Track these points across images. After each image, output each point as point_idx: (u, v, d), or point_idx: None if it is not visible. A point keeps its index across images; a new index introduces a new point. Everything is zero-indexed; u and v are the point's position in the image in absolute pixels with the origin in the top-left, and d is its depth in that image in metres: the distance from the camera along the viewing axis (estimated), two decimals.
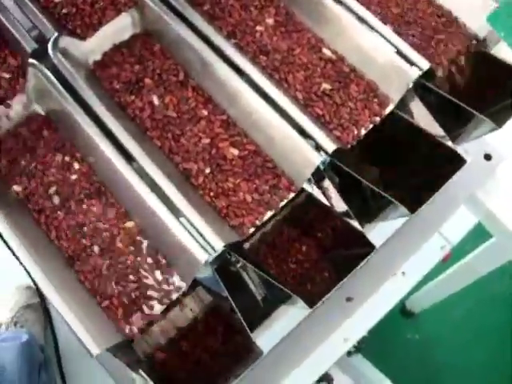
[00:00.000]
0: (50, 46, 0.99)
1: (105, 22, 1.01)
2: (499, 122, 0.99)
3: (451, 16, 1.10)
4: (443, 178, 0.98)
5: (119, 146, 0.94)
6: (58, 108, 0.99)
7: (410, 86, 0.98)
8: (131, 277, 0.88)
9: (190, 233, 0.88)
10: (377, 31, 1.01)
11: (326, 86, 0.98)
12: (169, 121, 0.97)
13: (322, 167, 0.95)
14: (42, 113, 1.03)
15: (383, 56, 1.00)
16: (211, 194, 0.93)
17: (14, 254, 1.16)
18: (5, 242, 1.16)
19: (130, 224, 0.92)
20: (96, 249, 0.90)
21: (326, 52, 1.02)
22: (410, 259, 1.22)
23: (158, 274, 0.89)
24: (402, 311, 1.95)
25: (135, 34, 1.07)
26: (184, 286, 0.90)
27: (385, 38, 1.00)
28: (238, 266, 0.99)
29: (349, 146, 0.96)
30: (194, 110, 0.99)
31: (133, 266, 0.89)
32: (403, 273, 1.25)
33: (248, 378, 0.92)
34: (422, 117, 1.03)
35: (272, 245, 1.04)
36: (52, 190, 0.95)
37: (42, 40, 0.98)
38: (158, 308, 0.89)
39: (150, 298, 0.89)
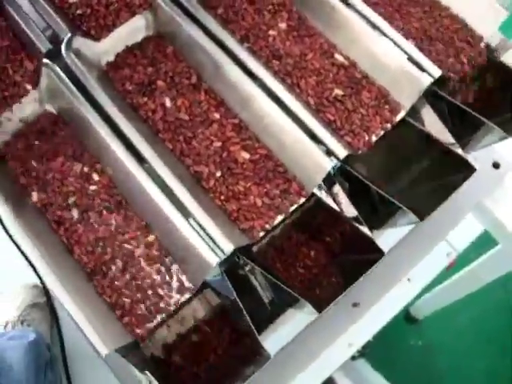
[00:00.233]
0: (63, 46, 0.99)
1: (119, 23, 1.01)
2: (509, 131, 0.99)
3: (462, 23, 1.10)
4: (453, 185, 0.99)
5: (131, 146, 0.94)
6: (69, 108, 0.99)
7: (422, 93, 0.98)
8: (145, 285, 0.89)
9: (200, 235, 0.88)
10: (389, 37, 1.01)
11: (337, 91, 0.98)
12: (181, 123, 0.98)
13: (332, 172, 0.95)
14: (54, 112, 1.03)
15: (395, 62, 1.00)
16: (222, 197, 0.94)
17: (22, 253, 1.17)
18: (13, 240, 1.17)
19: (151, 238, 0.92)
20: (118, 263, 0.90)
21: (339, 57, 1.02)
22: (416, 265, 1.22)
23: (167, 276, 0.89)
24: (405, 317, 1.95)
25: (148, 36, 1.07)
26: (193, 288, 0.90)
27: (397, 45, 1.01)
28: (247, 269, 1.00)
29: (360, 151, 0.96)
30: (206, 113, 0.99)
31: (149, 277, 0.90)
32: (409, 279, 1.25)
33: (253, 381, 0.92)
34: (432, 124, 1.03)
35: (280, 249, 1.04)
36: (71, 200, 0.94)
37: (55, 40, 0.98)
38: (166, 310, 0.89)
39: (160, 299, 0.89)
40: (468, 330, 1.98)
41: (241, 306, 0.89)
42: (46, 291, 1.22)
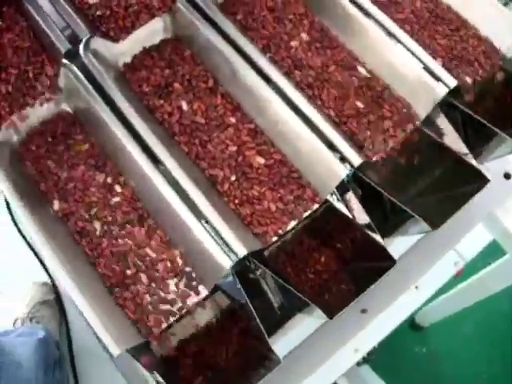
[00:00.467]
0: (81, 46, 1.00)
1: (138, 25, 1.02)
2: None
3: (479, 35, 1.10)
4: (465, 195, 0.99)
5: (146, 148, 0.95)
6: (86, 108, 1.00)
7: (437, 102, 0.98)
8: (162, 291, 0.89)
9: (214, 239, 0.89)
10: (408, 48, 1.01)
11: (359, 104, 0.98)
12: (197, 127, 0.98)
13: (346, 179, 0.95)
14: (71, 112, 1.03)
15: (412, 72, 1.00)
16: (236, 201, 0.94)
17: (33, 251, 1.18)
18: (24, 237, 1.18)
19: (175, 252, 0.93)
20: (141, 279, 0.91)
21: (361, 70, 1.03)
22: (425, 274, 1.22)
23: (183, 281, 0.90)
24: (410, 325, 1.95)
25: (166, 38, 1.08)
26: (205, 291, 0.90)
27: (414, 55, 1.01)
28: (258, 273, 1.00)
29: (374, 159, 0.97)
30: (222, 118, 0.99)
31: (168, 286, 0.91)
32: (416, 287, 1.26)
33: None
34: (446, 133, 1.03)
35: (291, 254, 1.05)
36: (93, 211, 0.94)
37: (74, 40, 0.99)
38: (179, 312, 0.89)
39: (174, 302, 0.89)
40: (472, 338, 1.99)
41: (252, 309, 0.89)
42: (55, 289, 1.23)
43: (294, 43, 1.03)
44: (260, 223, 0.93)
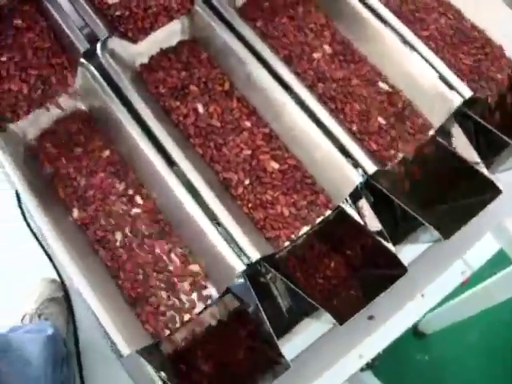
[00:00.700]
0: (98, 46, 1.00)
1: (156, 27, 1.02)
2: None
3: (493, 44, 1.11)
4: (478, 205, 0.99)
5: (161, 149, 0.95)
6: (102, 107, 1.00)
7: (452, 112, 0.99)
8: (176, 296, 0.90)
9: (227, 242, 0.89)
10: (428, 62, 1.01)
11: (381, 120, 0.99)
12: (212, 129, 0.99)
13: (359, 186, 0.95)
14: (87, 110, 1.04)
15: (427, 81, 1.01)
16: (249, 205, 0.94)
17: (43, 248, 1.18)
18: (33, 233, 1.18)
19: (195, 268, 0.93)
20: (161, 293, 0.91)
21: (383, 86, 1.03)
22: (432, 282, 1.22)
23: (194, 281, 0.90)
24: (413, 332, 1.95)
25: (183, 40, 1.08)
26: (216, 293, 0.91)
27: (430, 64, 1.01)
28: (268, 277, 1.00)
29: (388, 167, 0.97)
30: (238, 121, 1.00)
31: (184, 291, 0.91)
32: (422, 295, 1.26)
33: None
34: (459, 143, 1.04)
35: (302, 258, 1.05)
36: (113, 222, 0.94)
37: (92, 39, 0.99)
38: (189, 314, 0.90)
39: (185, 304, 0.90)
40: (475, 346, 1.99)
41: (262, 312, 0.89)
42: (63, 286, 1.23)
43: (316, 55, 1.04)
44: (273, 227, 0.93)
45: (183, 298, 0.89)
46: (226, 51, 1.03)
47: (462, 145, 1.04)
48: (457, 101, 0.99)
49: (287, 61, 1.03)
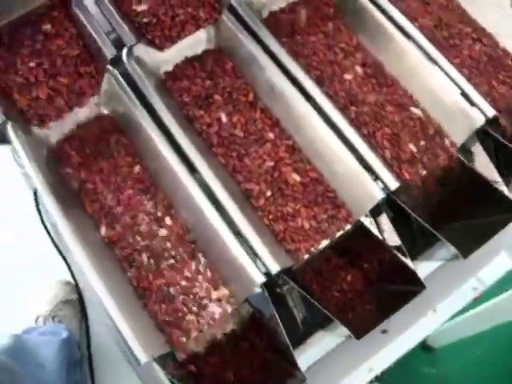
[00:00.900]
0: (124, 52, 1.00)
1: (183, 35, 1.02)
2: None
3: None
4: (497, 225, 0.99)
5: (184, 156, 0.95)
6: (125, 113, 1.01)
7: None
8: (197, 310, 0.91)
9: (247, 253, 0.89)
10: (451, 78, 1.02)
11: (412, 147, 1.00)
12: (235, 140, 0.99)
13: (380, 202, 0.96)
14: (110, 115, 1.04)
15: (450, 98, 1.01)
16: (270, 216, 0.95)
17: (57, 249, 1.18)
18: (50, 236, 1.18)
19: (224, 291, 0.93)
20: (190, 317, 0.91)
21: (415, 111, 1.04)
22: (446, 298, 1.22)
23: (214, 293, 0.90)
24: (421, 345, 1.95)
25: (208, 49, 1.08)
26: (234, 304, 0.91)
27: (454, 82, 1.02)
28: (285, 288, 1.01)
29: (409, 183, 0.97)
30: (261, 132, 1.00)
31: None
32: (434, 310, 1.26)
33: None
34: (480, 161, 1.04)
35: (318, 270, 1.05)
36: (140, 241, 0.95)
37: (118, 45, 0.99)
38: (208, 324, 0.90)
39: (204, 316, 0.90)
40: (482, 361, 1.98)
41: (280, 324, 0.89)
42: (77, 289, 1.23)
43: (348, 76, 1.04)
44: (293, 240, 0.94)
45: (211, 321, 0.90)
46: (251, 62, 1.03)
47: (482, 163, 1.04)
48: (480, 119, 0.99)
49: (318, 81, 1.04)
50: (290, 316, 1.03)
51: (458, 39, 1.11)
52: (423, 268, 1.12)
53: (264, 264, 0.89)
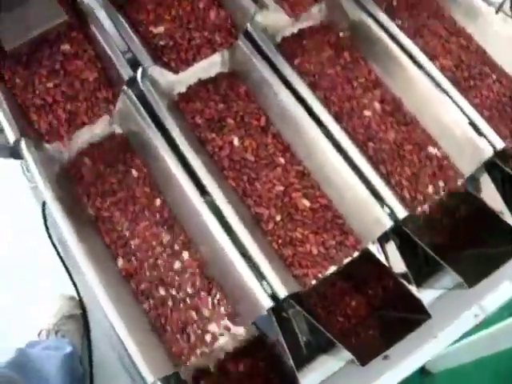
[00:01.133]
0: (139, 72, 1.01)
1: (199, 58, 1.03)
2: None
3: None
4: (503, 256, 1.00)
5: (195, 178, 0.96)
6: (138, 132, 1.02)
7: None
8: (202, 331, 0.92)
9: (256, 277, 0.90)
10: (459, 107, 1.03)
11: (430, 189, 1.01)
12: (246, 163, 1.00)
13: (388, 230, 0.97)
14: (123, 134, 1.05)
15: (459, 129, 1.02)
16: (279, 241, 0.96)
17: (64, 264, 1.19)
18: (57, 250, 1.19)
19: (240, 330, 0.94)
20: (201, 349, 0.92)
21: (432, 150, 1.05)
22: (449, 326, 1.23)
23: (221, 310, 0.91)
24: (420, 369, 1.95)
25: (222, 72, 1.10)
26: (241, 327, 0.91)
27: (463, 111, 1.03)
28: (290, 312, 1.01)
29: (417, 212, 0.98)
30: (272, 157, 1.01)
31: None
32: (435, 336, 1.26)
33: None
34: (487, 191, 1.05)
35: (323, 295, 1.06)
36: (158, 276, 0.95)
37: (133, 64, 1.00)
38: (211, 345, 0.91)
39: (209, 335, 0.90)
40: None
41: (286, 348, 0.90)
42: (81, 304, 1.24)
43: (367, 113, 1.05)
44: (301, 265, 0.94)
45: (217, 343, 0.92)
46: (264, 86, 1.04)
47: (489, 193, 1.05)
48: (488, 151, 1.00)
49: (337, 116, 1.05)
50: (294, 339, 1.04)
51: (479, 80, 1.12)
52: (426, 295, 1.13)
53: (272, 288, 0.89)
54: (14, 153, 0.99)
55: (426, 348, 1.24)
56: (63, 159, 1.03)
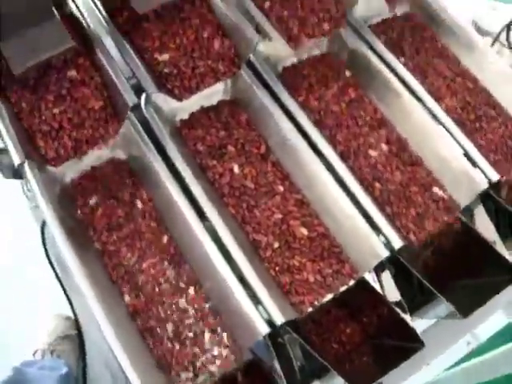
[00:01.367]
0: (143, 99, 1.03)
1: (202, 87, 1.05)
2: None
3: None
4: (497, 286, 1.02)
5: (195, 204, 0.97)
6: (140, 157, 1.03)
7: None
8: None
9: (253, 303, 0.91)
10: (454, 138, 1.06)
11: (433, 227, 1.03)
12: (245, 191, 1.02)
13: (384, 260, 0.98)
14: (124, 158, 1.07)
15: (455, 162, 1.05)
16: (277, 268, 0.97)
17: (60, 282, 1.20)
18: (54, 269, 1.20)
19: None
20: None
21: (437, 192, 1.07)
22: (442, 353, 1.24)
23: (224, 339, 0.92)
24: None
25: (224, 100, 1.12)
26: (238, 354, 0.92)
27: (458, 142, 1.06)
28: (286, 337, 1.02)
29: (414, 243, 1.00)
30: (271, 185, 1.03)
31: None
32: (428, 363, 1.27)
33: None
34: (481, 221, 1.07)
35: (318, 322, 1.07)
36: (164, 314, 0.96)
37: (137, 90, 1.02)
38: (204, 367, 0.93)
39: (203, 362, 0.92)
40: None
41: (282, 375, 0.91)
42: (77, 324, 1.24)
43: (373, 153, 1.07)
44: (297, 292, 0.96)
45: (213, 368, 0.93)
46: (265, 115, 1.06)
47: (483, 223, 1.07)
48: (483, 183, 1.02)
49: (343, 155, 1.07)
50: (289, 364, 1.04)
51: (485, 122, 1.14)
52: (419, 323, 1.14)
53: (269, 314, 0.91)
54: (17, 174, 1.00)
55: (419, 375, 1.26)
56: (64, 180, 1.04)
